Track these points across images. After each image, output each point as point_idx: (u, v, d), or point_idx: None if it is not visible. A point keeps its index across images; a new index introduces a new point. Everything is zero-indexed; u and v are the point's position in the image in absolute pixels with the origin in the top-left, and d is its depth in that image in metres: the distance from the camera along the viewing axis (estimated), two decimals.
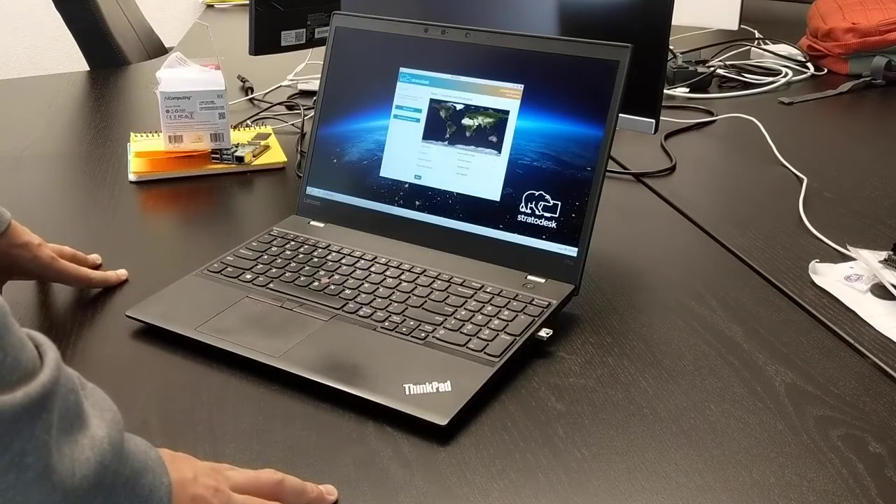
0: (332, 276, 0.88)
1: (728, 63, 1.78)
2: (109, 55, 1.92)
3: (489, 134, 0.90)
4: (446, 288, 0.85)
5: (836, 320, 0.85)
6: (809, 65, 1.79)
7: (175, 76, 1.21)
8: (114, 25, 1.95)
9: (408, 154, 0.94)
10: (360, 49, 0.98)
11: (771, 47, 1.87)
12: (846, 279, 0.92)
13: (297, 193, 1.02)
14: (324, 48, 1.00)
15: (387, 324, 0.80)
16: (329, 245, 0.93)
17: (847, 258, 0.96)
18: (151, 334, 0.81)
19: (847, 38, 1.73)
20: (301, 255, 0.91)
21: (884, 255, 0.93)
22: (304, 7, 1.48)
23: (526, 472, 0.65)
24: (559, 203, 0.86)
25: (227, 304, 0.83)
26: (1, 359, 0.44)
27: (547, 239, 0.87)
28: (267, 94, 1.58)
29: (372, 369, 0.74)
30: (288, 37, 1.47)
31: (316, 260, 0.90)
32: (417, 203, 0.94)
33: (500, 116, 0.90)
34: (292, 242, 0.94)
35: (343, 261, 0.90)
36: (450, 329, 0.79)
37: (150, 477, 0.52)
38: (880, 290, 0.89)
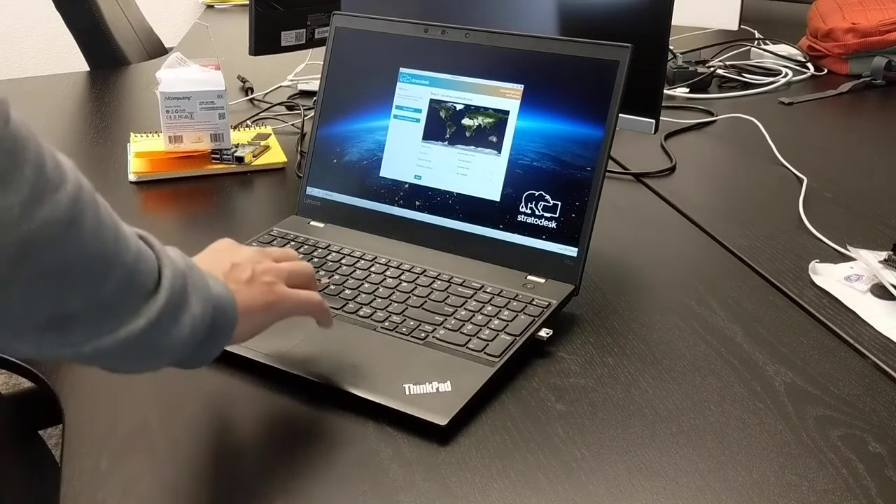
0: (332, 276, 0.88)
1: (728, 63, 1.78)
2: (109, 55, 1.92)
3: (489, 134, 0.90)
4: (446, 288, 0.85)
5: (836, 320, 0.85)
6: (809, 65, 1.79)
7: (175, 76, 1.21)
8: (114, 25, 1.95)
9: (408, 154, 0.94)
10: (360, 49, 0.98)
11: (771, 47, 1.87)
12: (846, 279, 0.92)
13: (297, 193, 1.02)
14: (324, 48, 1.00)
15: (387, 324, 0.80)
16: (329, 245, 0.93)
17: (847, 258, 0.96)
18: None
19: (847, 38, 1.73)
20: (301, 256, 0.91)
21: (884, 255, 0.93)
22: (304, 7, 1.48)
23: (526, 472, 0.65)
24: (559, 203, 0.86)
25: None
26: (127, 283, 0.53)
27: (547, 239, 0.87)
28: (267, 94, 1.58)
29: (372, 369, 0.74)
30: (288, 37, 1.47)
31: (316, 260, 0.90)
32: (417, 203, 0.94)
33: (500, 116, 0.90)
34: (292, 242, 0.94)
35: (343, 261, 0.90)
36: (450, 329, 0.79)
37: (225, 316, 0.62)
38: (880, 290, 0.89)
